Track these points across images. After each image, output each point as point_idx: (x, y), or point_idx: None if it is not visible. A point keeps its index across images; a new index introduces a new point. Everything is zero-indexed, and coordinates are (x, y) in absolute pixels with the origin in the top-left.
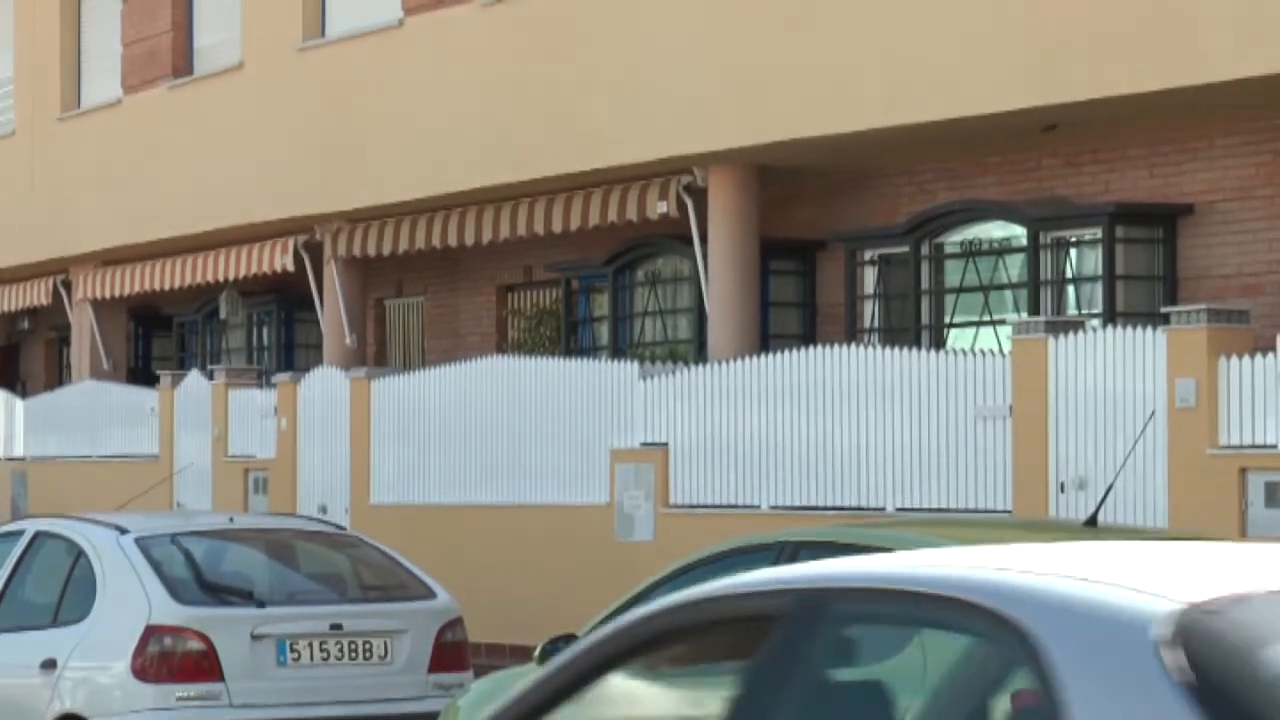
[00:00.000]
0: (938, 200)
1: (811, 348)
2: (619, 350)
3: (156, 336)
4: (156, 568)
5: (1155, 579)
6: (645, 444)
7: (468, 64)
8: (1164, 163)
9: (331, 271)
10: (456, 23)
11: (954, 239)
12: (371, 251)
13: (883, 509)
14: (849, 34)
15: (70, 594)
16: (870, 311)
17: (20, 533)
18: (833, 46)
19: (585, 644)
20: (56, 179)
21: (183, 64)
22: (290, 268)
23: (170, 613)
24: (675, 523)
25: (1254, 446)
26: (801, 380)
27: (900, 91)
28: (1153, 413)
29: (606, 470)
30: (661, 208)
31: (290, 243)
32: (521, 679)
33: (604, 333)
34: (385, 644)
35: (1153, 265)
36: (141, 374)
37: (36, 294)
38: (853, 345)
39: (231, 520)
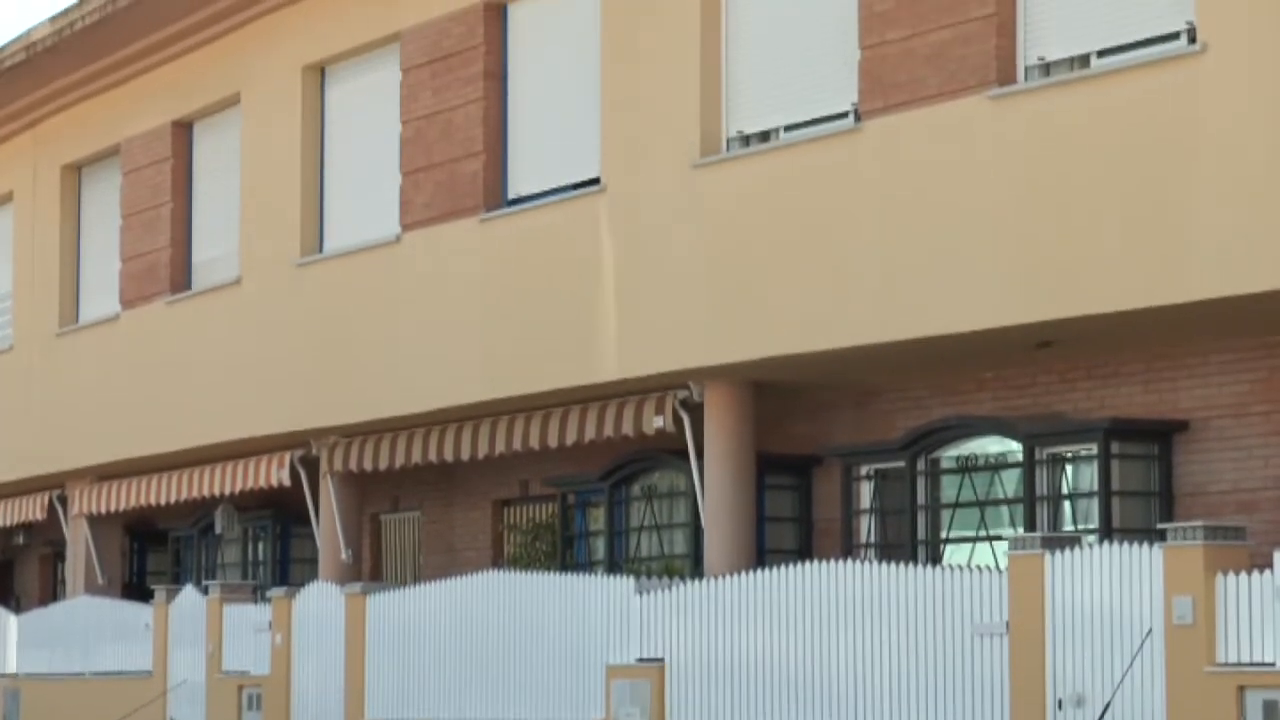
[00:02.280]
0: (933, 416)
1: (808, 563)
2: (615, 565)
3: (152, 551)
4: None
5: None
6: (641, 660)
7: (465, 279)
8: (1159, 379)
9: (327, 486)
10: (454, 238)
11: (950, 454)
12: (368, 466)
13: None
14: (842, 251)
15: None
16: (866, 527)
17: None
18: (826, 263)
19: None
20: (54, 394)
21: (181, 279)
22: (286, 483)
23: None
24: None
25: (1252, 664)
26: (798, 596)
27: (893, 308)
28: (1149, 630)
29: (602, 687)
30: (658, 423)
31: (286, 457)
32: None
33: (600, 547)
34: None
35: (1149, 481)
36: (136, 589)
37: (32, 509)
38: (849, 561)
39: None
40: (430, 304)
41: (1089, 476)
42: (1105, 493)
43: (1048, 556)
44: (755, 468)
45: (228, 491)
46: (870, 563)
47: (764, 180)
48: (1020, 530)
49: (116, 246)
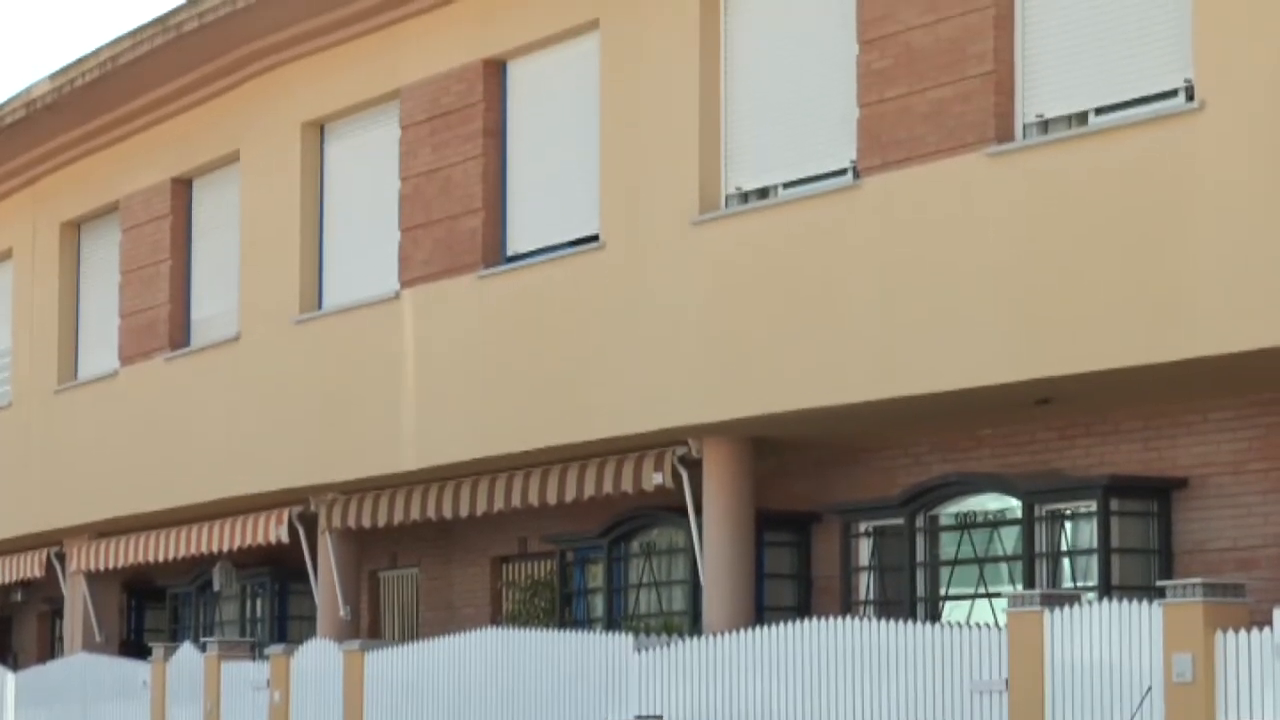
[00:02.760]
0: (932, 473)
1: (807, 620)
2: (614, 622)
3: (150, 608)
4: None
5: None
6: (640, 718)
7: (464, 336)
8: (1158, 436)
9: (326, 543)
10: (452, 295)
11: (949, 511)
12: (366, 523)
13: None
14: (841, 308)
15: None
16: (865, 583)
17: None
18: (825, 320)
19: None
20: (52, 451)
21: (180, 336)
22: (285, 539)
23: None
24: None
25: None
26: (797, 653)
27: (892, 365)
28: (1149, 688)
29: None
30: (656, 479)
31: (285, 514)
32: None
33: (599, 604)
34: None
35: (1148, 538)
36: (134, 646)
37: (30, 566)
38: (848, 618)
39: None
40: (429, 361)
41: (1088, 533)
42: (1104, 550)
43: (1047, 614)
44: (754, 524)
45: (226, 548)
46: (869, 620)
47: (763, 237)
48: (1019, 587)
49: (115, 303)
